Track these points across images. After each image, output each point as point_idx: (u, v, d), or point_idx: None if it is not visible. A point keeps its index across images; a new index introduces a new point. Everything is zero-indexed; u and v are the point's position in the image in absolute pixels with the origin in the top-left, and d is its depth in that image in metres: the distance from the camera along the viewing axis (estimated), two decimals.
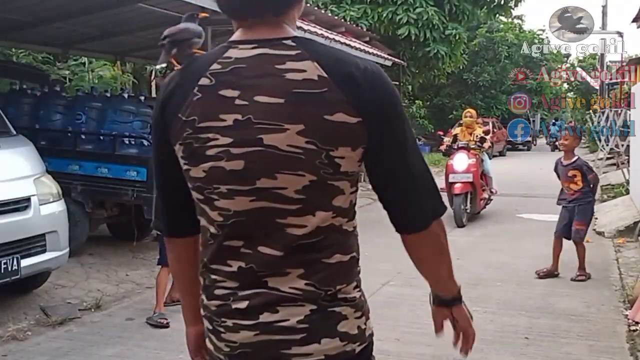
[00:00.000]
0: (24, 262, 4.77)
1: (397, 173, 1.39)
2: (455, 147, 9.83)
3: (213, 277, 1.40)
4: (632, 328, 4.71)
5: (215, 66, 1.35)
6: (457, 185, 9.28)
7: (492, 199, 10.60)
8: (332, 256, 1.37)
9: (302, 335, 1.34)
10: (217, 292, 1.40)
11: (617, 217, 9.61)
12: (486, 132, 10.37)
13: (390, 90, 1.37)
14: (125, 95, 7.65)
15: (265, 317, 1.35)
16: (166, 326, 4.76)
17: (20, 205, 4.89)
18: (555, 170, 6.53)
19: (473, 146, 9.76)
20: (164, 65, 1.58)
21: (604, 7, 28.41)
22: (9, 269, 4.65)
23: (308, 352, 1.35)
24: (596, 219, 10.01)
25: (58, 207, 5.22)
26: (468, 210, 9.55)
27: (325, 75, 1.30)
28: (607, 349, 4.34)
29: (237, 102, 1.32)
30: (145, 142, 6.83)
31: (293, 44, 1.34)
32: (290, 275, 1.35)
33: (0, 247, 4.62)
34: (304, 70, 1.31)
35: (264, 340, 1.35)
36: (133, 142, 6.95)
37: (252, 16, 1.36)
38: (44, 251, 5.00)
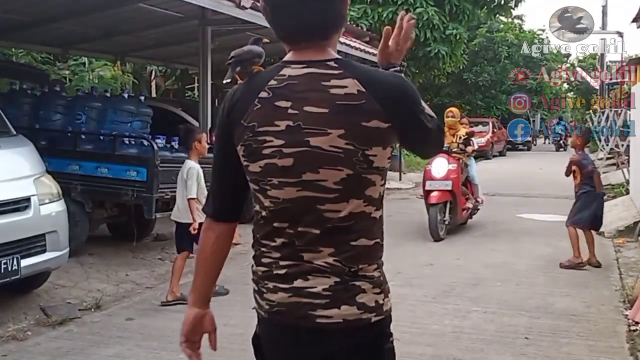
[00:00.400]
0: (24, 262, 4.76)
1: (419, 141, 1.81)
2: None
3: (262, 249, 1.74)
4: (632, 328, 4.71)
5: (272, 82, 1.67)
6: (434, 194, 8.23)
7: (478, 209, 9.46)
8: (358, 239, 1.67)
9: (326, 301, 1.64)
10: (264, 260, 1.73)
11: (617, 217, 9.60)
12: (470, 134, 9.15)
13: (412, 98, 1.70)
14: (125, 95, 7.65)
15: (298, 283, 1.67)
16: (227, 292, 5.59)
17: (20, 205, 4.89)
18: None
19: (455, 150, 8.70)
20: (229, 80, 1.86)
21: (604, 7, 28.38)
22: (9, 269, 4.64)
23: (329, 315, 1.64)
24: None
25: (58, 207, 5.22)
26: (447, 222, 8.44)
27: (364, 90, 1.62)
28: (607, 349, 4.34)
29: (290, 111, 1.64)
30: (145, 142, 6.83)
31: (336, 65, 1.66)
32: (322, 253, 1.66)
33: (0, 247, 4.61)
34: (346, 87, 1.62)
35: (295, 301, 1.67)
36: (133, 142, 6.94)
37: (304, 41, 1.68)
38: (44, 251, 4.99)
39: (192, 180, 5.48)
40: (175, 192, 6.76)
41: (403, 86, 1.69)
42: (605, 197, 7.69)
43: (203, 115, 8.41)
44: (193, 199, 5.43)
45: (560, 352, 4.26)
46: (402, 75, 1.79)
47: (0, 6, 7.61)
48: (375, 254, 1.71)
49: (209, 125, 8.39)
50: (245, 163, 1.73)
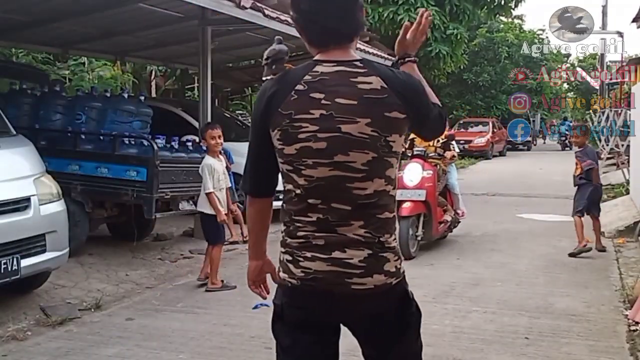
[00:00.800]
0: (24, 262, 4.76)
1: (425, 127, 2.18)
2: (410, 154, 7.65)
3: (297, 224, 1.99)
4: (632, 328, 4.70)
5: (307, 77, 1.97)
6: (406, 205, 7.01)
7: (459, 222, 8.29)
8: (383, 213, 1.99)
9: (361, 271, 1.95)
10: (299, 233, 1.99)
11: (617, 217, 9.60)
12: (450, 137, 7.99)
13: (421, 93, 2.07)
14: (125, 95, 7.64)
15: (336, 254, 1.95)
16: (234, 287, 5.71)
17: (20, 205, 4.89)
18: None
19: (432, 154, 7.62)
20: (268, 77, 2.12)
21: (604, 7, 28.39)
22: (9, 269, 4.64)
23: (363, 283, 1.95)
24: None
25: (58, 207, 5.21)
26: (419, 238, 7.32)
27: (386, 86, 1.95)
28: (607, 349, 4.33)
29: (323, 102, 1.93)
30: (145, 142, 6.83)
31: (361, 64, 1.99)
32: (353, 225, 1.95)
33: (0, 247, 4.61)
34: (371, 83, 1.95)
35: (333, 270, 1.95)
36: (133, 142, 6.94)
37: (333, 44, 2.01)
38: (44, 251, 4.99)
39: (205, 175, 5.82)
40: (175, 191, 6.85)
41: (415, 84, 2.06)
42: (601, 188, 8.21)
43: (203, 115, 8.40)
44: (210, 193, 5.80)
45: (560, 352, 4.26)
46: (415, 67, 2.20)
47: (0, 6, 7.61)
48: (393, 226, 2.04)
49: None
50: (280, 146, 1.99)
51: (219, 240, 5.95)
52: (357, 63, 1.99)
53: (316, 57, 2.02)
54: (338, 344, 2.16)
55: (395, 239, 2.05)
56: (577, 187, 7.64)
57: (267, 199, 2.15)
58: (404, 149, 7.24)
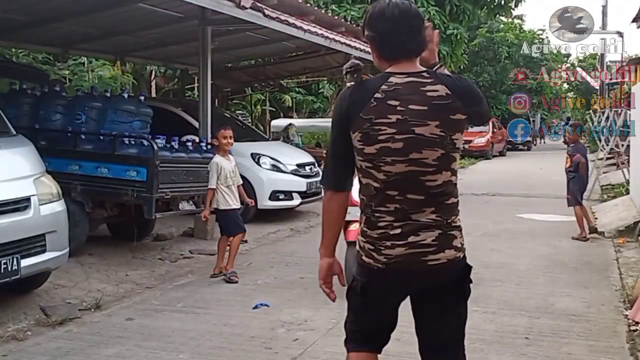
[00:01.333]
0: (24, 262, 4.76)
1: (480, 121, 2.55)
2: None
3: (377, 215, 2.33)
4: (632, 328, 4.70)
5: (383, 86, 2.30)
6: (354, 227, 5.08)
7: None
8: (449, 199, 2.36)
9: (434, 249, 2.32)
10: (380, 224, 2.33)
11: (617, 217, 9.60)
12: None
13: (479, 97, 2.43)
14: (125, 95, 7.63)
15: (412, 239, 2.31)
16: (236, 282, 6.05)
17: (20, 205, 4.88)
18: None
19: None
20: (349, 85, 2.44)
21: (604, 7, 28.39)
22: (9, 269, 4.64)
23: (438, 258, 2.33)
24: (596, 218, 10.01)
25: (58, 207, 5.21)
26: None
27: (450, 93, 2.30)
28: (607, 349, 4.33)
29: (398, 108, 2.28)
30: (145, 142, 6.83)
31: (428, 75, 2.34)
32: (426, 212, 2.31)
33: (0, 247, 4.61)
34: (437, 90, 2.30)
35: (411, 252, 2.31)
36: (133, 142, 6.93)
37: (405, 59, 2.36)
38: (44, 251, 4.98)
39: (212, 172, 6.21)
40: (175, 191, 6.86)
41: (472, 88, 2.42)
42: (587, 180, 9.29)
43: (203, 115, 8.40)
44: (211, 189, 6.19)
45: (560, 352, 4.26)
46: (468, 79, 2.54)
47: (0, 6, 7.60)
48: (457, 208, 2.42)
49: (209, 125, 8.39)
50: (360, 146, 2.33)
51: (239, 229, 6.34)
52: (424, 74, 2.35)
53: (388, 70, 2.38)
54: (398, 310, 2.62)
55: (459, 218, 2.44)
56: (568, 180, 8.77)
57: (347, 193, 2.47)
58: None
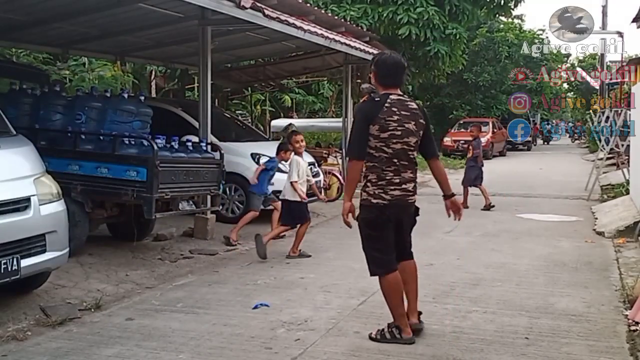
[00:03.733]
0: (24, 262, 4.75)
1: (429, 140, 4.51)
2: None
3: (385, 171, 4.27)
4: (632, 328, 4.70)
5: (389, 100, 4.30)
6: None
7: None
8: (416, 166, 4.43)
9: (412, 193, 4.40)
10: (387, 177, 4.27)
11: (617, 217, 9.60)
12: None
13: (426, 114, 4.52)
14: (125, 95, 7.62)
15: (403, 186, 4.31)
16: (309, 256, 7.25)
17: (20, 205, 4.87)
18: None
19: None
20: (366, 98, 4.81)
21: (604, 7, 28.42)
22: (9, 269, 4.63)
23: (413, 199, 4.43)
24: (596, 218, 10.02)
25: (58, 207, 5.20)
26: None
27: (418, 108, 4.45)
28: (607, 349, 4.33)
29: (397, 112, 4.28)
30: (145, 142, 6.82)
31: (409, 97, 4.49)
32: (409, 171, 4.35)
33: (0, 247, 4.61)
34: (414, 105, 4.43)
35: (402, 194, 4.31)
36: (133, 142, 6.93)
37: (393, 87, 4.41)
38: (44, 251, 4.98)
39: (293, 167, 7.35)
40: (175, 191, 6.87)
41: (422, 108, 4.51)
42: (482, 167, 11.94)
43: (203, 115, 8.40)
44: (294, 182, 7.29)
45: (560, 352, 4.26)
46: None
47: (0, 6, 7.60)
48: (416, 172, 4.44)
49: (209, 125, 8.39)
50: (377, 133, 4.24)
51: (306, 218, 7.39)
52: (406, 97, 4.44)
53: (385, 92, 4.37)
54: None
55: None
56: (467, 167, 11.85)
57: (363, 162, 4.29)
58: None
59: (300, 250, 7.28)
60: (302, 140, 7.59)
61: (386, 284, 4.30)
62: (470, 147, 11.91)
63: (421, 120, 4.35)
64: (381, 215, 4.25)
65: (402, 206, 4.30)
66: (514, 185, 15.27)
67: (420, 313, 4.55)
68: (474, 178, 11.67)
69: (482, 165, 11.91)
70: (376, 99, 4.26)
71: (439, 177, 4.54)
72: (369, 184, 4.27)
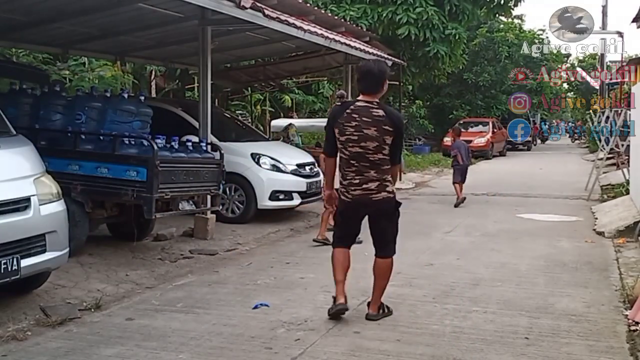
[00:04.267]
0: (24, 262, 4.75)
1: (395, 147, 4.83)
2: None
3: (346, 172, 4.81)
4: (632, 328, 4.70)
5: (352, 106, 4.81)
6: None
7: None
8: (383, 167, 4.78)
9: (375, 191, 4.77)
10: (348, 177, 4.81)
11: (617, 217, 9.60)
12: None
13: (401, 121, 4.93)
14: (125, 95, 7.62)
15: (364, 186, 4.77)
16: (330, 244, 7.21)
17: (20, 205, 4.87)
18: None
19: None
20: (338, 103, 6.04)
21: (604, 7, 28.41)
22: (9, 269, 4.63)
23: (377, 196, 4.78)
24: (596, 218, 10.02)
25: (58, 207, 5.20)
26: None
27: (386, 115, 4.74)
28: (607, 349, 4.33)
29: (357, 118, 4.74)
30: (145, 142, 6.82)
31: (377, 104, 4.79)
32: (370, 172, 4.75)
33: (0, 247, 4.61)
34: (379, 113, 4.74)
35: (363, 194, 4.78)
36: (133, 142, 6.93)
37: (367, 94, 4.85)
38: (44, 251, 4.97)
39: None
40: (175, 191, 6.86)
41: (400, 121, 4.90)
42: (467, 166, 12.63)
43: (203, 115, 8.40)
44: None
45: (560, 352, 4.26)
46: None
47: (0, 6, 7.60)
48: (389, 172, 4.81)
49: (209, 125, 8.39)
50: (338, 136, 4.77)
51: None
52: (374, 104, 4.76)
53: (359, 98, 4.83)
54: (361, 223, 4.97)
55: (390, 179, 4.85)
56: (452, 167, 12.66)
57: (336, 157, 4.90)
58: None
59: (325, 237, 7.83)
60: None
61: (332, 255, 5.00)
62: (450, 149, 13.13)
63: (386, 127, 4.66)
64: (346, 209, 4.90)
65: (364, 204, 4.77)
66: (514, 185, 15.27)
67: (379, 308, 4.92)
68: (460, 176, 12.42)
69: (467, 165, 12.63)
70: (339, 104, 5.22)
71: (392, 178, 4.99)
72: (340, 180, 4.92)
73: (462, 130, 26.12)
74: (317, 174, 10.21)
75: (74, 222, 6.13)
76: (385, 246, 4.89)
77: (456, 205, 11.85)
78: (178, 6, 7.81)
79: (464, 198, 12.16)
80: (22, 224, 4.82)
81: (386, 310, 4.95)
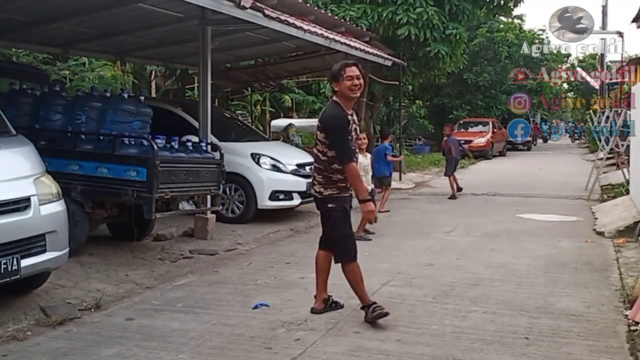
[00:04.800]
0: (24, 262, 4.75)
1: (335, 145, 4.87)
2: None
3: (338, 175, 4.93)
4: (632, 328, 4.70)
5: (344, 108, 5.00)
6: None
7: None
8: (330, 167, 4.90)
9: (352, 191, 5.00)
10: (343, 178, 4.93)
11: (617, 217, 9.60)
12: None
13: (329, 118, 4.92)
14: (125, 95, 7.62)
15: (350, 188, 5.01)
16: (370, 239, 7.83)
17: (20, 205, 4.87)
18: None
19: None
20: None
21: (604, 7, 28.39)
22: (9, 269, 4.63)
23: (317, 193, 4.97)
24: (596, 218, 10.02)
25: (58, 207, 5.20)
26: None
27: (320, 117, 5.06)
28: (607, 349, 4.33)
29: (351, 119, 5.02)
30: (145, 142, 6.82)
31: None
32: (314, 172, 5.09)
33: (0, 247, 4.61)
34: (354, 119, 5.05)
35: (351, 193, 5.06)
36: (133, 142, 6.93)
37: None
38: (44, 251, 4.98)
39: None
40: (175, 191, 6.85)
41: (325, 113, 5.03)
42: (458, 160, 14.17)
43: (203, 115, 8.40)
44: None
45: (560, 352, 4.26)
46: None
47: (0, 6, 7.60)
48: (331, 178, 4.96)
49: (209, 125, 8.39)
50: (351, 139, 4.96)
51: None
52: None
53: (334, 99, 5.00)
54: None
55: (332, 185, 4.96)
56: (446, 160, 13.79)
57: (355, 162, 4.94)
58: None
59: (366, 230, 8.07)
60: (364, 138, 8.16)
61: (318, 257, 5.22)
62: (445, 144, 14.08)
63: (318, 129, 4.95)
64: (341, 204, 4.99)
65: (350, 200, 5.08)
66: (514, 185, 15.27)
67: (326, 300, 5.13)
68: (451, 169, 13.51)
69: (459, 158, 14.25)
70: (338, 107, 5.17)
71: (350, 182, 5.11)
72: (334, 179, 4.98)
73: (462, 130, 26.44)
74: None
75: (74, 222, 6.13)
76: (323, 237, 5.23)
77: (450, 198, 12.79)
78: (178, 6, 7.81)
79: (461, 188, 13.33)
80: (22, 224, 4.82)
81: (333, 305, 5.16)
